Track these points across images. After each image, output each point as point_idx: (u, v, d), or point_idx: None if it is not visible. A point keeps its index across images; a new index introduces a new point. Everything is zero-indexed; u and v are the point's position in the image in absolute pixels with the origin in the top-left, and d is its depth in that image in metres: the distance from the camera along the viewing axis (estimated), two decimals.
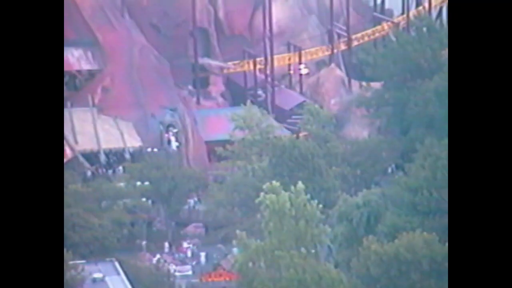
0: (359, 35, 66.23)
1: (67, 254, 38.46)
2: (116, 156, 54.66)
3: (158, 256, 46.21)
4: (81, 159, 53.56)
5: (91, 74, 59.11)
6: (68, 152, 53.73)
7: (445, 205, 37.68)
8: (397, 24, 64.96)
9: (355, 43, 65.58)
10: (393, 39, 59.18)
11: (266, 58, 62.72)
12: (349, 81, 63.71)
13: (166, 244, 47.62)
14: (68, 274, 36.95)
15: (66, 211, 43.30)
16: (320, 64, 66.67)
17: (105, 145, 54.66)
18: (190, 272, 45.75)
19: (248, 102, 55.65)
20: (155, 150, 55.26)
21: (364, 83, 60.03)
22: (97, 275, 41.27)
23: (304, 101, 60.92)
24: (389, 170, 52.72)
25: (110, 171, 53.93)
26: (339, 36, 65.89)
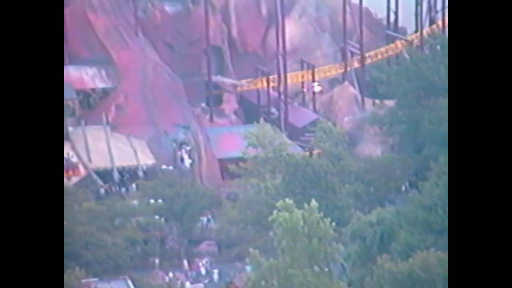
0: (372, 53, 66.28)
1: (80, 272, 38.45)
2: (129, 174, 54.73)
3: (171, 274, 46.11)
4: (95, 176, 53.67)
5: (105, 92, 59.38)
6: (81, 170, 53.90)
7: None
8: (411, 42, 65.00)
9: (368, 61, 65.63)
10: (407, 57, 59.18)
11: (279, 76, 62.82)
12: (362, 99, 63.69)
13: (185, 262, 47.52)
14: None
15: (80, 229, 43.49)
16: (333, 82, 66.71)
17: (118, 163, 54.78)
18: None
19: (261, 119, 55.70)
20: (169, 167, 55.34)
21: (377, 101, 60.00)
22: None
23: (317, 118, 60.91)
24: (403, 188, 52.50)
25: (123, 189, 53.98)
26: (353, 54, 65.96)
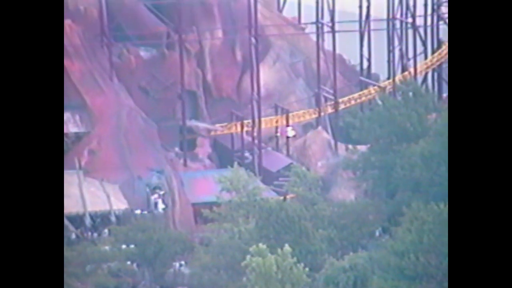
0: (345, 98, 66.85)
1: None
2: (101, 219, 54.37)
3: None
4: (66, 222, 53.22)
5: (78, 137, 59.21)
6: None
7: (431, 270, 37.58)
8: (383, 89, 65.70)
9: (342, 106, 66.15)
10: (379, 103, 59.70)
11: (253, 121, 63.09)
12: (336, 144, 64.04)
13: None
14: None
15: None
16: (307, 127, 67.09)
17: (91, 208, 54.42)
18: None
19: (235, 164, 55.72)
20: (142, 212, 55.02)
21: (350, 146, 60.30)
22: None
23: (291, 163, 61.07)
24: (376, 233, 52.57)
25: (95, 234, 53.57)
26: (326, 99, 66.49)
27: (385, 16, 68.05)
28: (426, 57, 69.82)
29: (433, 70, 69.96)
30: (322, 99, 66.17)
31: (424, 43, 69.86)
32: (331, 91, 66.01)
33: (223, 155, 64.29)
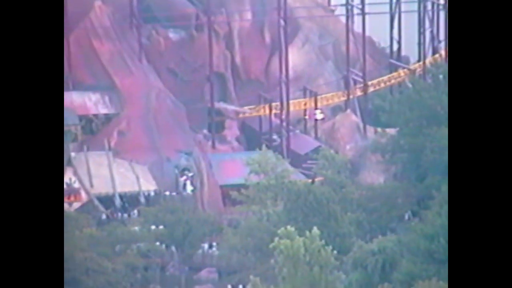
0: (375, 81, 66.44)
1: None
2: (131, 200, 54.66)
3: None
4: (96, 202, 53.62)
5: (107, 118, 59.46)
6: (83, 196, 53.87)
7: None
8: (414, 71, 65.15)
9: (371, 89, 65.77)
10: (409, 85, 59.28)
11: (281, 103, 62.93)
12: (365, 127, 63.72)
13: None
14: None
15: (80, 255, 43.35)
16: (335, 110, 66.81)
17: (120, 189, 54.73)
18: None
19: (263, 146, 55.71)
20: (171, 193, 55.26)
21: (379, 129, 60.00)
22: None
23: (320, 146, 60.90)
24: (406, 217, 52.35)
25: (125, 215, 53.90)
26: (355, 82, 66.12)
27: None
28: None
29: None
30: (351, 82, 65.81)
31: None
32: (360, 74, 65.62)
33: (251, 138, 64.26)
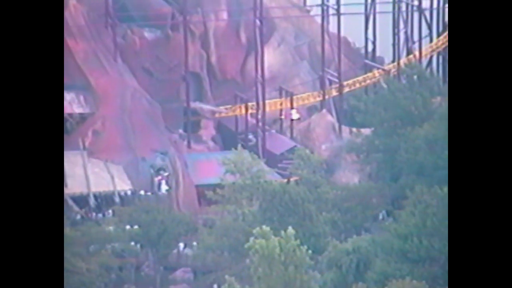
0: (350, 81, 66.72)
1: None
2: (105, 200, 54.47)
3: None
4: (70, 202, 53.34)
5: (82, 117, 59.21)
6: None
7: (434, 253, 37.63)
8: (388, 72, 65.53)
9: (346, 89, 66.03)
10: (384, 86, 59.61)
11: (257, 103, 63.01)
12: (340, 127, 63.98)
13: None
14: None
15: None
16: (311, 110, 67.01)
17: (95, 189, 54.50)
18: None
19: (239, 146, 55.73)
20: (146, 193, 55.12)
21: (354, 129, 60.27)
22: None
23: (295, 146, 61.07)
24: (380, 216, 52.65)
25: (99, 215, 53.70)
26: (331, 82, 66.36)
27: None
28: (431, 40, 69.60)
29: (438, 54, 69.77)
30: (327, 82, 66.05)
31: (429, 26, 69.62)
32: (336, 74, 65.88)
33: (227, 137, 64.29)
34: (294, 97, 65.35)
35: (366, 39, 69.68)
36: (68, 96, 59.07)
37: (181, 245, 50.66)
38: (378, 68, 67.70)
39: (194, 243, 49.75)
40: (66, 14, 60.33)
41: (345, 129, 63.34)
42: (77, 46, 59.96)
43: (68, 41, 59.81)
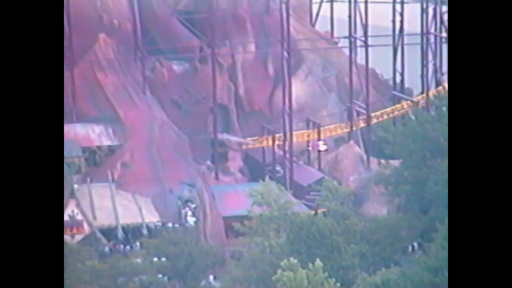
0: (378, 113, 66.52)
1: None
2: (133, 232, 54.52)
3: None
4: (99, 234, 53.47)
5: (111, 149, 59.56)
6: (86, 228, 53.74)
7: None
8: (417, 103, 65.26)
9: (374, 120, 65.83)
10: (413, 117, 59.32)
11: (285, 134, 62.99)
12: (368, 158, 63.68)
13: None
14: None
15: (82, 287, 43.12)
16: (338, 141, 66.82)
17: (123, 221, 54.61)
18: None
19: (267, 178, 55.66)
20: (174, 225, 55.10)
21: (383, 161, 59.96)
22: None
23: (323, 177, 60.82)
24: (409, 249, 52.11)
25: (127, 247, 53.72)
26: (358, 113, 66.20)
27: (419, 31, 67.72)
28: None
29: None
30: (354, 113, 65.91)
31: None
32: (364, 105, 65.74)
33: (255, 169, 64.23)
34: (322, 128, 65.25)
35: (394, 70, 69.56)
36: (97, 129, 59.56)
37: (211, 277, 50.45)
38: (406, 100, 67.46)
39: (218, 275, 49.61)
40: (96, 48, 61.04)
41: (373, 161, 63.03)
42: (106, 79, 60.54)
43: (98, 74, 60.46)
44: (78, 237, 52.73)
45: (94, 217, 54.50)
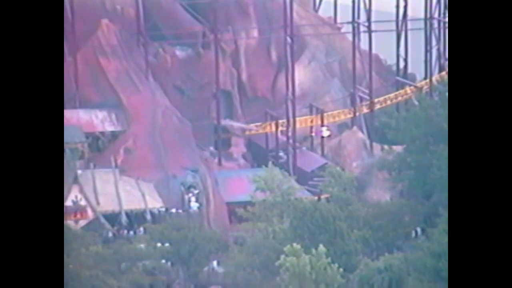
0: (381, 98, 66.43)
1: None
2: (137, 217, 54.64)
3: None
4: (102, 220, 53.61)
5: (114, 135, 59.58)
6: (89, 213, 53.87)
7: None
8: (420, 89, 65.13)
9: (377, 106, 65.75)
10: (416, 103, 59.26)
11: (288, 120, 62.96)
12: (371, 144, 63.65)
13: None
14: None
15: (86, 272, 43.30)
16: (342, 127, 66.77)
17: (126, 206, 54.72)
18: None
19: (270, 163, 55.68)
20: (177, 211, 55.22)
21: (386, 146, 59.93)
22: None
23: (326, 163, 60.83)
24: (412, 234, 52.17)
25: (131, 232, 53.85)
26: (362, 99, 66.14)
27: (422, 16, 67.50)
28: None
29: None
30: (358, 99, 65.82)
31: None
32: (367, 91, 65.65)
33: (258, 155, 64.25)
34: (325, 114, 65.19)
35: (398, 56, 69.39)
36: (100, 114, 59.55)
37: (215, 262, 50.57)
38: (410, 85, 67.33)
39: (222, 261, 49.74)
40: (99, 33, 60.94)
41: (377, 146, 63.00)
42: (109, 65, 60.46)
43: (101, 60, 60.37)
44: (82, 223, 52.87)
45: (98, 203, 54.60)
